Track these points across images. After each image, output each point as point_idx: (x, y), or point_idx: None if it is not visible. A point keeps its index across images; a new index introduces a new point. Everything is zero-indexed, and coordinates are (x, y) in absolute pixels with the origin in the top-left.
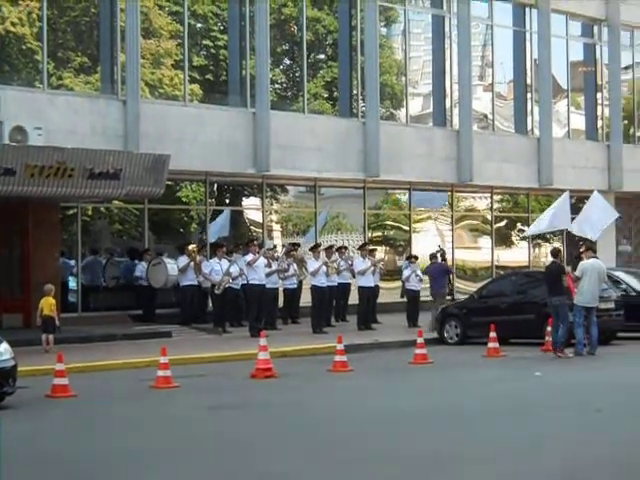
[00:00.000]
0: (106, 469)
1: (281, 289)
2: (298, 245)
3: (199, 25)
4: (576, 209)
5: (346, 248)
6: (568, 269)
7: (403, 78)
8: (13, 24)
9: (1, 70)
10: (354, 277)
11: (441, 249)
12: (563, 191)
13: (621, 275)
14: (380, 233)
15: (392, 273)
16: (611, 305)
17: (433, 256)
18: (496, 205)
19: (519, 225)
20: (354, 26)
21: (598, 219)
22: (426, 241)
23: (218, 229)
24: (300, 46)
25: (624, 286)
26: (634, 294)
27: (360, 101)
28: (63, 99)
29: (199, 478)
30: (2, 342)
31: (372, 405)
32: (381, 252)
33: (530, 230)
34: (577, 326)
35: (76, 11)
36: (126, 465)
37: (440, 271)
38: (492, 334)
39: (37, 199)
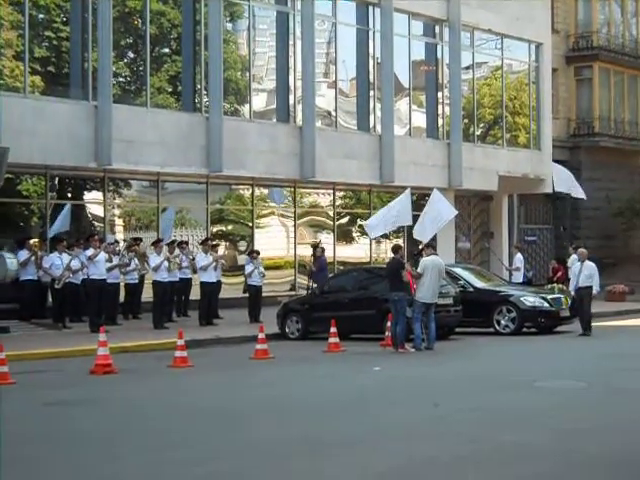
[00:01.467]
0: None
1: (122, 284)
2: (140, 240)
3: (41, 16)
4: (417, 206)
5: (187, 243)
6: (407, 265)
7: (247, 74)
8: None
9: None
10: (195, 272)
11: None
12: (404, 188)
13: (459, 271)
14: (223, 228)
15: (234, 269)
16: (449, 301)
17: (322, 251)
18: (338, 201)
19: (360, 221)
20: (198, 20)
21: (437, 217)
22: (269, 237)
23: (59, 223)
24: (144, 40)
25: (462, 282)
26: (472, 290)
27: (204, 96)
28: None
29: (22, 477)
30: None
31: (209, 400)
32: (223, 247)
33: (373, 232)
34: (415, 321)
35: None
36: None
37: (325, 266)
38: (332, 329)
39: None
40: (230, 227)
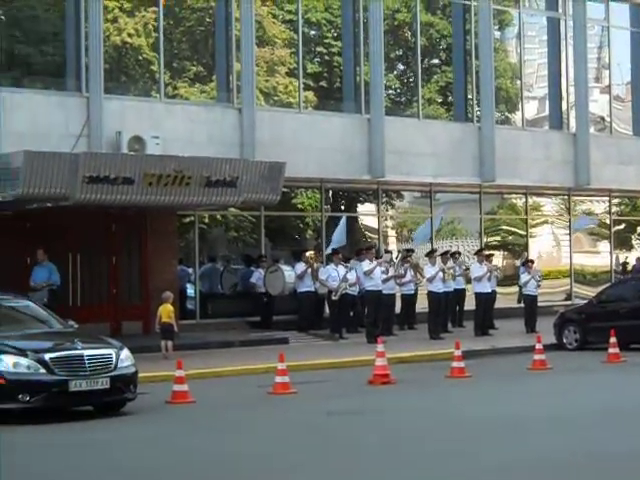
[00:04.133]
0: (227, 474)
1: (398, 295)
2: (412, 251)
3: (313, 32)
4: None
5: (460, 253)
6: None
7: (518, 81)
8: (130, 35)
9: (118, 81)
10: (469, 283)
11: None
12: None
13: None
14: (496, 238)
15: (509, 278)
16: None
17: None
18: (614, 209)
19: (639, 229)
20: (468, 30)
21: None
22: (543, 246)
23: (337, 237)
24: (414, 51)
25: None
26: None
27: (475, 105)
28: (180, 108)
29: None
30: (123, 349)
31: (491, 412)
32: (498, 257)
33: None
34: None
35: (191, 21)
36: (248, 471)
37: None
38: (612, 339)
39: (155, 208)
40: (504, 237)
